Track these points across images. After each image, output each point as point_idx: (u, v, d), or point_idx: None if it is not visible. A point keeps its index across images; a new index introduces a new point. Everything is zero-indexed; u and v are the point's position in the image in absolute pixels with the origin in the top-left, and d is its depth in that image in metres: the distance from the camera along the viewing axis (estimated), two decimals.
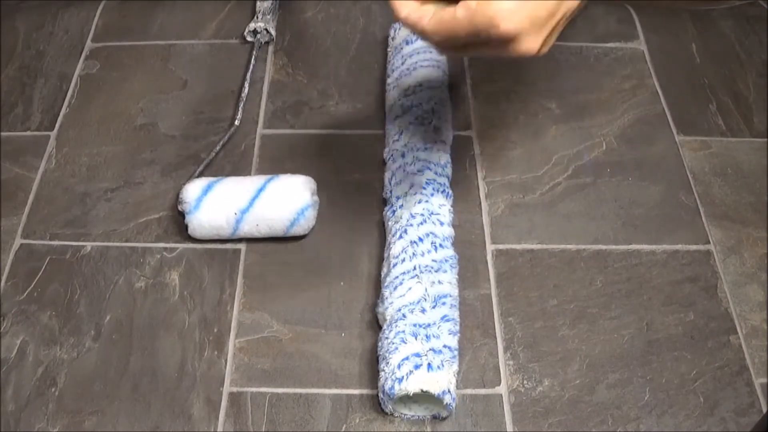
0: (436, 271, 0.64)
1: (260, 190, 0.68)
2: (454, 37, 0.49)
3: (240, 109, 0.81)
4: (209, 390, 0.62)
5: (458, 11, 0.47)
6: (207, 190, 0.69)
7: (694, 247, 0.72)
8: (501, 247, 0.71)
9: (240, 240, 0.71)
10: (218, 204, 0.68)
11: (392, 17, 0.52)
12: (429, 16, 0.49)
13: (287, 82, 0.85)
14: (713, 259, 0.71)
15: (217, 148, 0.77)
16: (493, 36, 0.47)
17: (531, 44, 0.48)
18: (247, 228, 0.69)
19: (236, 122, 0.79)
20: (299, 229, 0.69)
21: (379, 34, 0.89)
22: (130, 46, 0.89)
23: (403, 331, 0.60)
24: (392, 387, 0.57)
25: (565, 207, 0.74)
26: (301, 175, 0.71)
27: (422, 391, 0.57)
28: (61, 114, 0.82)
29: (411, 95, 0.76)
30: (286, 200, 0.68)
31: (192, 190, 0.69)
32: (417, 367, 0.57)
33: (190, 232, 0.69)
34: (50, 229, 0.72)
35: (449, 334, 0.61)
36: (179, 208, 0.69)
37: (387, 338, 0.61)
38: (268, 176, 0.70)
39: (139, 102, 0.83)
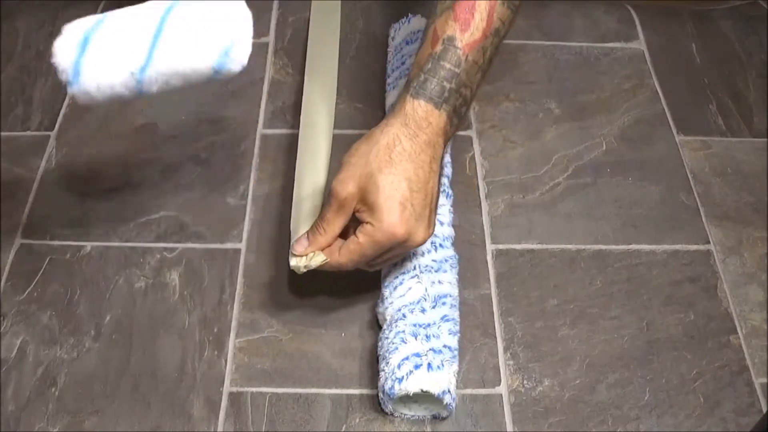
0: (436, 271, 0.64)
1: (159, 28, 0.49)
2: (364, 257, 0.59)
3: None
4: (209, 390, 0.62)
5: (360, 237, 0.58)
6: (84, 44, 0.49)
7: (694, 247, 0.72)
8: (501, 247, 0.71)
9: (240, 240, 0.71)
10: (106, 63, 0.49)
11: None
12: (337, 251, 0.59)
13: (287, 82, 0.85)
14: (713, 259, 0.71)
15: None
16: (393, 244, 0.58)
17: (422, 235, 0.59)
18: (156, 88, 0.52)
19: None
20: (229, 70, 0.52)
21: (379, 34, 0.89)
22: None
23: (403, 331, 0.60)
24: (392, 387, 0.57)
25: (565, 207, 0.74)
26: None
27: (422, 391, 0.57)
28: (61, 114, 0.82)
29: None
30: (198, 38, 0.50)
31: (66, 49, 0.49)
32: (417, 367, 0.57)
33: (78, 102, 0.52)
34: (50, 229, 0.72)
35: (449, 334, 0.61)
36: (58, 75, 0.51)
37: (387, 338, 0.61)
38: (170, 4, 0.50)
39: (139, 102, 0.83)
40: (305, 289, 0.68)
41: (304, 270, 0.61)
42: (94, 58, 0.49)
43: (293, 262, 0.61)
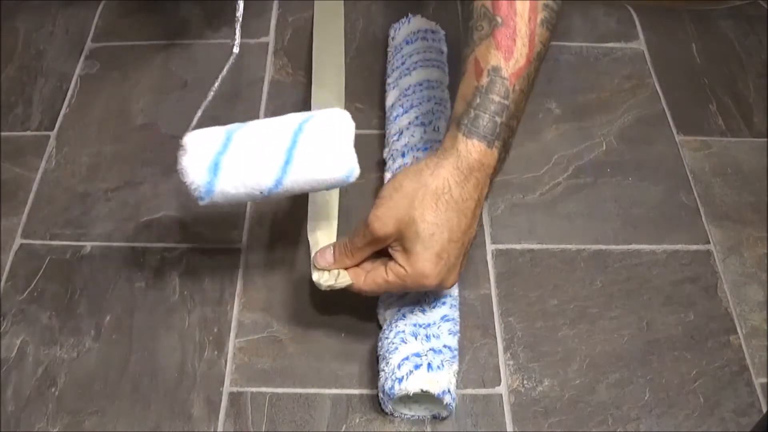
0: None
1: (288, 155, 0.55)
2: (388, 291, 0.59)
3: (237, 31, 0.63)
4: (209, 390, 0.62)
5: (389, 276, 0.57)
6: (216, 169, 0.54)
7: (694, 247, 0.72)
8: (501, 247, 0.71)
9: (240, 240, 0.71)
10: (236, 185, 0.55)
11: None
12: (362, 277, 0.58)
13: (287, 82, 0.85)
14: (713, 259, 0.71)
15: (217, 82, 0.63)
16: (422, 289, 0.58)
17: (451, 282, 0.58)
18: (278, 198, 0.59)
19: (235, 49, 0.63)
20: (344, 183, 0.59)
21: (379, 34, 0.89)
22: (130, 46, 0.89)
23: (403, 331, 0.60)
24: (392, 387, 0.57)
25: (565, 207, 0.74)
26: (336, 115, 0.57)
27: (422, 391, 0.57)
28: (61, 114, 0.82)
29: (411, 95, 0.76)
30: (323, 168, 0.56)
31: (198, 172, 0.54)
32: (417, 367, 0.57)
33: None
34: (50, 229, 0.72)
35: (449, 334, 0.61)
36: (189, 190, 0.56)
37: (387, 338, 0.61)
38: (294, 126, 0.56)
39: (139, 102, 0.83)
40: (305, 289, 0.68)
41: (327, 289, 0.60)
42: (226, 182, 0.55)
43: (316, 276, 0.60)
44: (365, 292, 0.59)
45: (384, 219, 0.56)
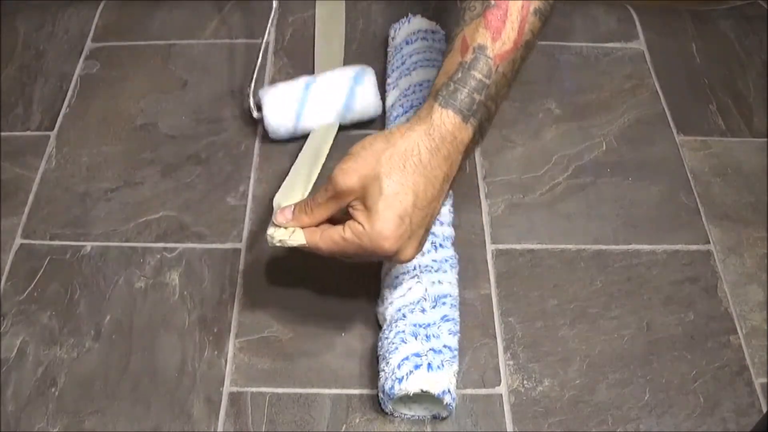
0: (436, 271, 0.64)
1: (345, 105, 0.77)
2: (343, 252, 0.56)
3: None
4: (209, 390, 0.62)
5: (346, 233, 0.55)
6: (298, 117, 0.76)
7: (694, 247, 0.72)
8: (501, 247, 0.71)
9: (240, 240, 0.71)
10: (317, 115, 0.77)
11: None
12: (318, 233, 0.57)
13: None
14: (713, 259, 0.71)
15: (265, 36, 0.80)
16: (377, 254, 0.55)
17: (410, 254, 0.57)
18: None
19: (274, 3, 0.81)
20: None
21: (379, 34, 0.89)
22: (130, 46, 0.89)
23: (403, 331, 0.60)
24: (392, 387, 0.57)
25: (565, 207, 0.74)
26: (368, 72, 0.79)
27: (422, 391, 0.57)
28: (61, 114, 0.82)
29: (411, 95, 0.76)
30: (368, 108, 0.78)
31: (281, 120, 0.77)
32: (417, 367, 0.57)
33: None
34: (50, 229, 0.72)
35: (449, 334, 0.61)
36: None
37: (387, 338, 0.61)
38: (349, 81, 0.78)
39: (139, 102, 0.83)
40: (305, 289, 0.68)
41: (278, 244, 0.58)
42: (309, 116, 0.77)
43: (270, 230, 0.59)
44: (321, 249, 0.57)
45: (349, 172, 0.55)
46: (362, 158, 0.55)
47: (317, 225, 0.58)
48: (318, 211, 0.57)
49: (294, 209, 0.58)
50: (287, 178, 0.67)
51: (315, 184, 0.66)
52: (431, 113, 0.56)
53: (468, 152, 0.58)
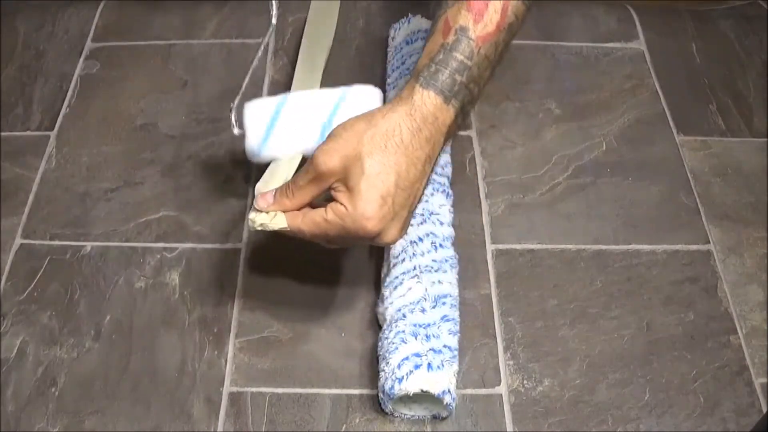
0: (436, 271, 0.64)
1: (322, 133, 0.64)
2: (326, 235, 0.56)
3: (274, 6, 0.69)
4: (209, 390, 0.62)
5: (328, 215, 0.54)
6: (268, 135, 0.65)
7: (694, 247, 0.72)
8: (501, 247, 0.71)
9: (240, 240, 0.71)
10: (284, 147, 0.65)
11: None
12: (300, 217, 0.56)
13: (287, 82, 0.85)
14: (713, 259, 0.71)
15: (258, 53, 0.70)
16: (360, 235, 0.54)
17: (393, 235, 0.56)
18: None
19: (273, 20, 0.70)
20: None
21: (379, 34, 0.89)
22: (130, 46, 0.89)
23: (403, 331, 0.60)
24: (392, 387, 0.57)
25: (565, 207, 0.74)
26: (368, 92, 0.65)
27: (422, 391, 0.57)
28: (61, 114, 0.82)
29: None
30: None
31: (254, 133, 0.65)
32: (417, 367, 0.57)
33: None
34: (50, 229, 0.72)
35: (449, 334, 0.61)
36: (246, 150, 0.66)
37: (387, 338, 0.61)
38: (333, 102, 0.65)
39: (139, 102, 0.83)
40: (305, 290, 0.68)
41: (259, 228, 0.57)
42: (276, 143, 0.64)
43: (252, 215, 0.58)
44: (303, 232, 0.56)
45: (330, 153, 0.54)
46: (343, 139, 0.55)
47: (299, 209, 0.57)
48: (299, 194, 0.56)
49: (275, 193, 0.58)
50: (269, 165, 0.65)
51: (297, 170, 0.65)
52: (412, 94, 0.56)
53: (450, 134, 0.58)
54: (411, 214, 0.58)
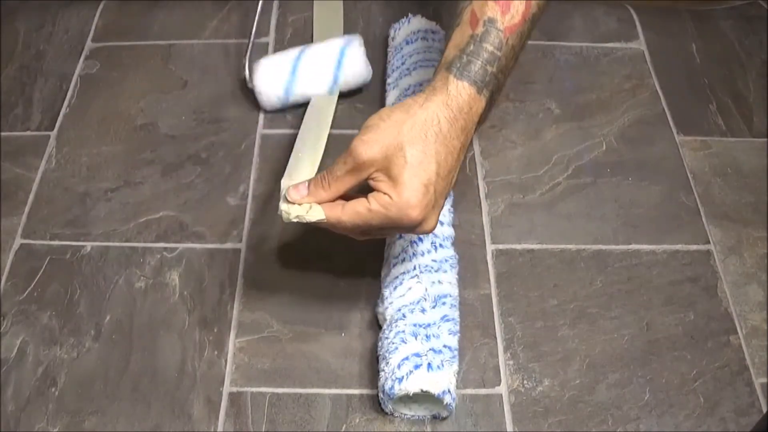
0: (436, 271, 0.64)
1: (335, 78, 0.80)
2: (368, 225, 0.55)
3: None
4: (209, 390, 0.62)
5: (372, 204, 0.54)
6: (288, 87, 0.79)
7: (694, 247, 0.72)
8: (501, 247, 0.71)
9: (240, 240, 0.71)
10: (306, 89, 0.79)
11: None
12: (339, 208, 0.55)
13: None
14: (713, 259, 0.71)
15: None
16: (403, 224, 0.55)
17: (432, 225, 0.56)
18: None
19: None
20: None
21: (379, 34, 0.89)
22: (130, 46, 0.89)
23: (403, 331, 0.60)
24: (392, 387, 0.57)
25: (565, 207, 0.74)
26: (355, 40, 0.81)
27: (422, 391, 0.57)
28: (61, 114, 0.82)
29: (411, 95, 0.76)
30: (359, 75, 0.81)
31: (273, 90, 0.79)
32: (417, 367, 0.57)
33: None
34: (50, 229, 0.72)
35: (449, 334, 0.61)
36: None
37: (387, 338, 0.61)
38: (337, 51, 0.80)
39: (139, 102, 0.83)
40: (305, 289, 0.68)
41: (295, 220, 0.55)
42: (299, 90, 0.79)
43: (284, 206, 0.56)
44: (344, 224, 0.55)
45: (370, 143, 0.54)
46: (382, 129, 0.55)
47: (333, 200, 0.56)
48: (336, 185, 0.56)
49: (309, 185, 0.57)
50: (290, 159, 0.65)
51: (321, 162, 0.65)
52: (447, 84, 0.56)
53: (480, 123, 0.59)
54: (444, 205, 0.58)
